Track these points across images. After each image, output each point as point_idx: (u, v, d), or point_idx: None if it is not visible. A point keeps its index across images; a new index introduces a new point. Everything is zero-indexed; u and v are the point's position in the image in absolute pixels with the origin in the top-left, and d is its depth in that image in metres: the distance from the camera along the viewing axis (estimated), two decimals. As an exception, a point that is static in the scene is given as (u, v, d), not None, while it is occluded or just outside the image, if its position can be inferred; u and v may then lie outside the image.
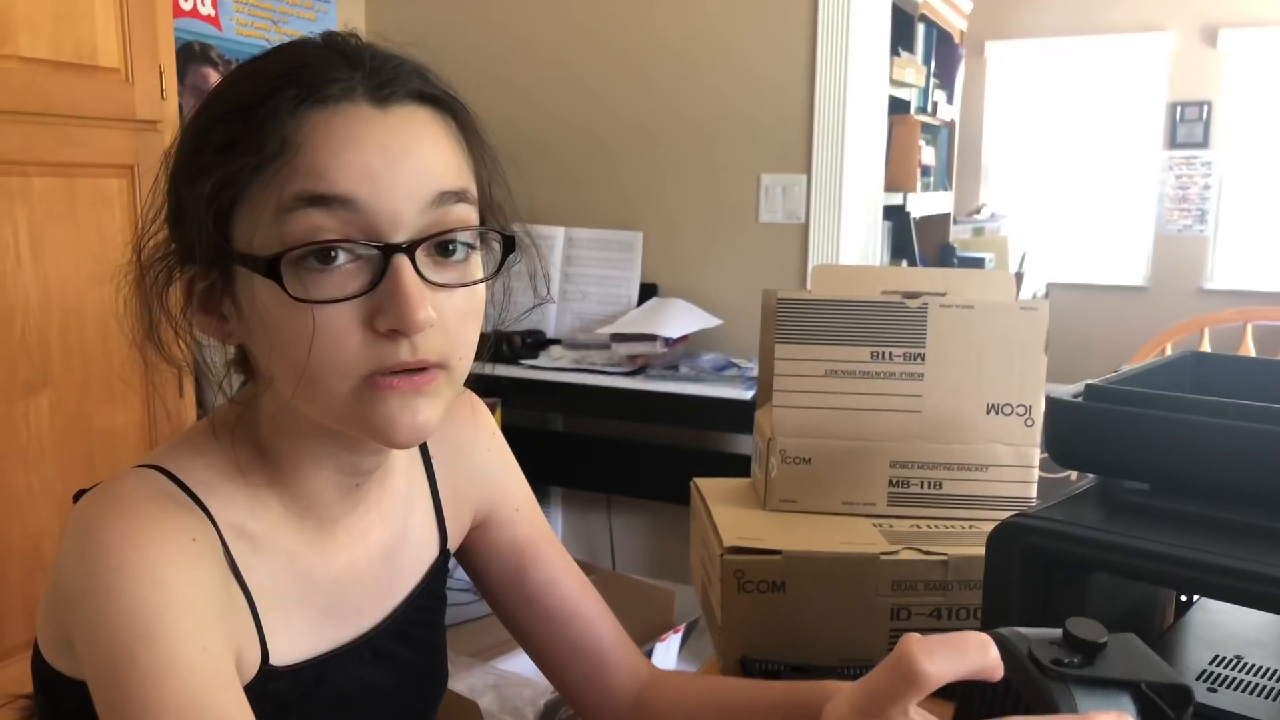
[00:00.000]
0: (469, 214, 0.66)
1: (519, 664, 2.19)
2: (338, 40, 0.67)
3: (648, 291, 2.84)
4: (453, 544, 0.88)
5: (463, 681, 2.04)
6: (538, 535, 0.92)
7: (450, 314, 0.65)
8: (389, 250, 0.62)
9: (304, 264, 0.61)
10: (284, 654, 0.71)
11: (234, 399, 0.73)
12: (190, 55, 2.55)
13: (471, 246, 0.67)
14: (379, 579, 0.79)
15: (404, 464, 0.83)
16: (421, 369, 0.64)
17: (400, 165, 0.63)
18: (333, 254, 0.61)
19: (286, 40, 0.70)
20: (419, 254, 0.63)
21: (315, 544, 0.74)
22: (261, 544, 0.70)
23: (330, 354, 0.62)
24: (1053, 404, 0.74)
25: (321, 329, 0.61)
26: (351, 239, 0.62)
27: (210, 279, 0.66)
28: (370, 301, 0.62)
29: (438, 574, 0.86)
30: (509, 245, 0.69)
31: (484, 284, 0.68)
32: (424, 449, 0.86)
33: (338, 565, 0.76)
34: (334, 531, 0.75)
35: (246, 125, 0.62)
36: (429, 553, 0.85)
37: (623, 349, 2.59)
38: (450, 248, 0.65)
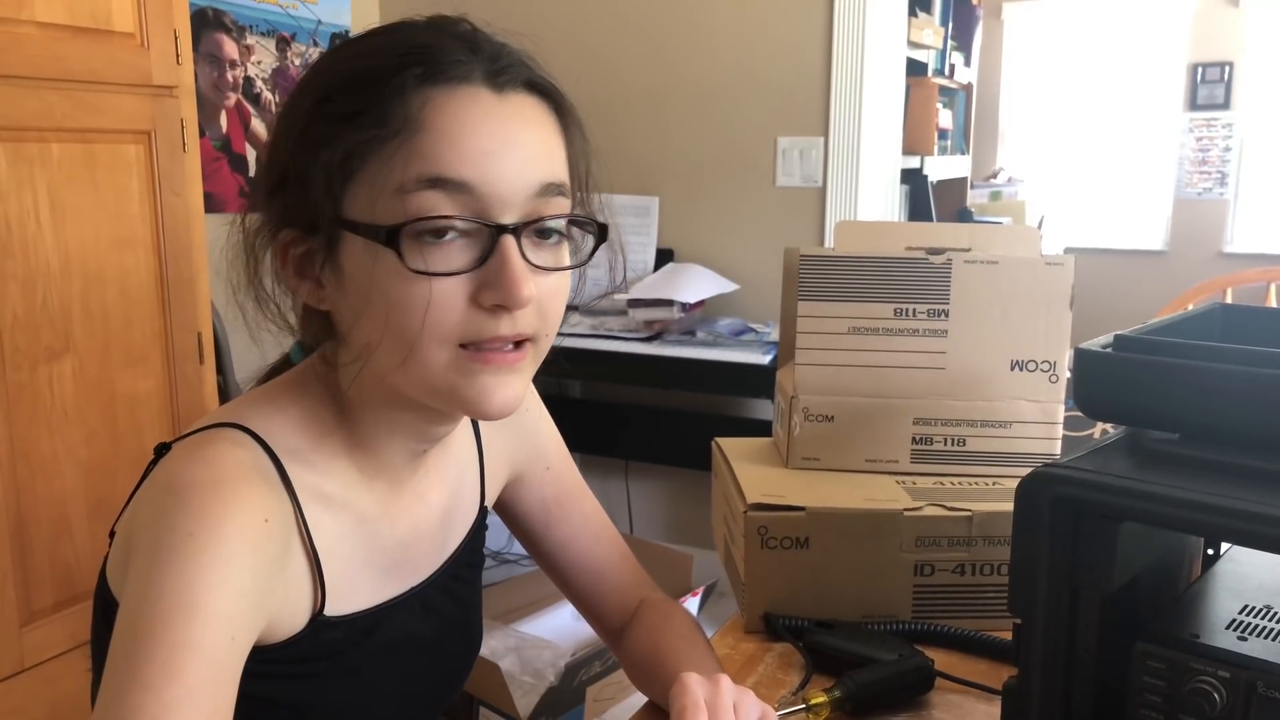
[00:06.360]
0: (565, 204, 0.71)
1: (540, 626, 2.21)
2: (450, 23, 0.70)
3: (664, 257, 2.83)
4: (489, 500, 0.92)
5: (484, 644, 2.05)
6: (563, 493, 0.97)
7: (545, 293, 0.69)
8: (498, 230, 0.66)
9: (420, 238, 0.65)
10: (342, 606, 0.74)
11: (325, 360, 0.75)
12: (204, 21, 2.55)
13: (564, 235, 0.71)
14: (436, 537, 0.83)
15: (459, 427, 0.86)
16: (517, 344, 0.68)
17: (512, 151, 0.66)
18: (446, 230, 0.65)
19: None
20: (523, 236, 0.67)
21: (384, 505, 0.78)
22: (335, 505, 0.74)
23: (438, 323, 0.66)
24: (1081, 355, 0.74)
25: (434, 299, 0.65)
26: (466, 218, 0.65)
27: (309, 244, 0.69)
28: (476, 277, 0.66)
29: (479, 530, 0.90)
30: (600, 234, 0.74)
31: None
32: None
33: (402, 527, 0.79)
34: (400, 493, 0.79)
35: (371, 98, 0.65)
36: (473, 509, 0.89)
37: (640, 314, 2.58)
38: (548, 233, 0.70)
